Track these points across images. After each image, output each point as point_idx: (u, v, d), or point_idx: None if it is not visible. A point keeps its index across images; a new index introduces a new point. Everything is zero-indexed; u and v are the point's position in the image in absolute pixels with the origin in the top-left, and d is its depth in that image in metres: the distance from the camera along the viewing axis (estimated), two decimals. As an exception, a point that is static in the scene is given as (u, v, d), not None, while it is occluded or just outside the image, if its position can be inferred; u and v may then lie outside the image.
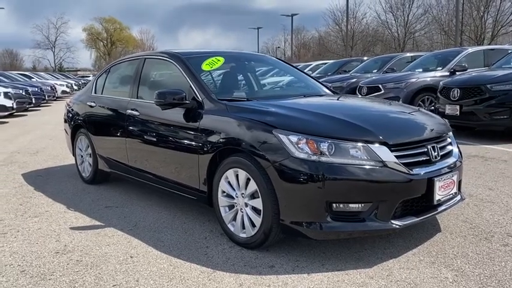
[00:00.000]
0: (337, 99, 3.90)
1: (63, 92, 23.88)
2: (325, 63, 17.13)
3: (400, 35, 43.19)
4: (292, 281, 2.64)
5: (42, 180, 5.47)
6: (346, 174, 2.71)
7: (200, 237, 3.38)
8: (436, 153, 3.02)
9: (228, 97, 3.61)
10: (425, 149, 2.97)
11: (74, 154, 5.46)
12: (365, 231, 2.80)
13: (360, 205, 2.75)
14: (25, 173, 5.90)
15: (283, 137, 2.82)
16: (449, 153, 3.20)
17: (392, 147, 2.82)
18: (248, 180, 3.02)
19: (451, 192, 3.05)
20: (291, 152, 2.77)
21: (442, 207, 3.05)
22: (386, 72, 11.69)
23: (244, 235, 3.11)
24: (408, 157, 2.88)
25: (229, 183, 3.19)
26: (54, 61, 71.25)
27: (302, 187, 2.74)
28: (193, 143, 3.45)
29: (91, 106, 4.94)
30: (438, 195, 2.93)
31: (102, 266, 2.92)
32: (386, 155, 2.78)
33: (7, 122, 12.71)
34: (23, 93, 14.94)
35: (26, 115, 14.98)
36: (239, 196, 3.12)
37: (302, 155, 2.74)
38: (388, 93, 9.92)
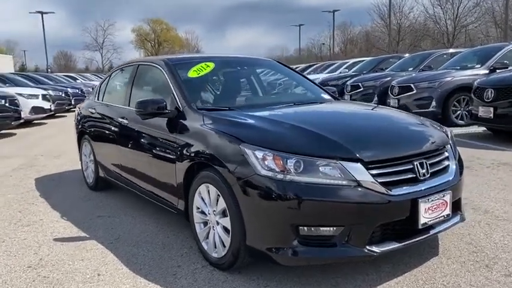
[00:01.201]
0: (327, 108, 3.62)
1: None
2: (362, 61, 16.52)
3: (449, 29, 41.23)
4: (252, 311, 2.43)
5: (52, 185, 5.53)
6: (315, 194, 2.45)
7: (177, 254, 3.23)
8: (424, 171, 2.68)
9: (211, 106, 3.43)
10: (411, 166, 2.65)
11: (80, 160, 5.48)
12: (336, 257, 2.53)
13: (330, 229, 2.49)
14: (39, 177, 5.99)
15: (249, 152, 2.60)
16: (443, 170, 2.85)
17: (369, 165, 2.53)
18: (218, 196, 2.83)
19: (441, 215, 2.70)
20: (256, 169, 2.55)
21: (432, 232, 2.72)
22: (423, 71, 11.06)
23: (216, 255, 2.92)
24: (389, 175, 2.57)
25: (202, 198, 3.01)
26: (102, 62, 73.94)
27: (266, 208, 2.52)
28: (170, 155, 3.30)
29: (92, 112, 4.91)
30: (424, 218, 2.60)
31: (65, 284, 2.83)
32: (361, 173, 2.49)
33: (45, 123, 13.18)
34: (63, 95, 15.49)
35: (66, 116, 15.49)
36: (211, 213, 2.94)
37: (267, 173, 2.51)
38: (420, 93, 9.38)
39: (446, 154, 2.94)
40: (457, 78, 9.06)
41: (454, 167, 2.92)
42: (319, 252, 2.50)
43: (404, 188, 2.57)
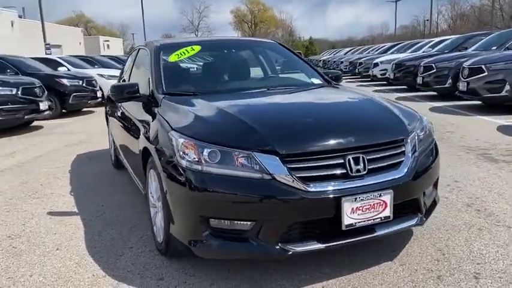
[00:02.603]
0: (288, 96, 3.42)
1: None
2: (448, 39, 15.08)
3: None
4: (160, 299, 2.42)
5: (86, 162, 5.96)
6: (226, 186, 2.34)
7: (137, 236, 3.31)
8: (359, 167, 2.41)
9: (179, 91, 3.41)
10: (342, 161, 2.40)
11: (108, 139, 5.82)
12: (247, 253, 2.40)
13: (241, 223, 2.36)
14: (82, 153, 6.50)
15: (174, 140, 2.56)
16: (391, 166, 2.52)
17: (286, 158, 2.34)
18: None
19: (377, 217, 2.42)
20: (176, 157, 2.50)
21: (367, 235, 2.45)
22: (508, 49, 9.83)
23: (158, 239, 2.94)
24: (311, 170, 2.36)
25: (152, 183, 3.04)
26: None
27: (182, 198, 2.46)
28: (137, 139, 3.36)
29: (109, 95, 5.17)
30: (350, 219, 2.35)
31: (23, 255, 3.06)
32: (276, 166, 2.32)
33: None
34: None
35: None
36: (155, 198, 2.96)
37: (184, 162, 2.45)
38: (494, 75, 8.35)
39: (402, 149, 2.60)
40: (538, 58, 7.91)
41: (409, 163, 2.57)
42: (230, 246, 2.40)
43: (326, 184, 2.34)
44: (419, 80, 11.45)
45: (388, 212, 2.44)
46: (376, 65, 16.98)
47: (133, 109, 3.67)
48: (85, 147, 6.93)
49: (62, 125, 9.83)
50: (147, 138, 2.98)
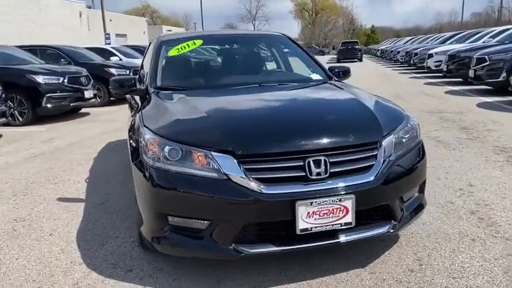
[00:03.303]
0: (269, 94, 3.36)
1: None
2: (510, 29, 13.96)
3: None
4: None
5: (114, 149, 6.22)
6: (183, 185, 2.35)
7: (127, 226, 3.40)
8: (320, 170, 2.32)
9: (171, 85, 3.45)
10: (302, 163, 2.32)
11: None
12: (202, 252, 2.41)
13: (198, 222, 2.37)
14: (112, 141, 6.78)
15: (142, 135, 2.60)
16: (358, 170, 2.41)
17: (241, 158, 2.30)
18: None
19: (336, 222, 2.32)
20: (142, 153, 2.55)
21: (327, 241, 2.37)
22: None
23: (141, 229, 3.01)
24: (267, 171, 2.31)
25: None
26: None
27: (144, 194, 2.51)
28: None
29: None
30: (306, 223, 2.28)
31: (19, 238, 3.26)
32: (232, 166, 2.29)
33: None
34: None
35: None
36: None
37: (146, 158, 2.49)
38: None
39: (373, 153, 2.47)
40: None
41: (381, 168, 2.44)
42: (188, 244, 2.41)
43: (282, 187, 2.28)
44: (471, 73, 10.76)
45: (349, 218, 2.34)
46: (430, 56, 16.14)
47: (135, 103, 3.77)
48: (117, 135, 7.21)
49: (107, 112, 10.28)
50: (128, 132, 3.05)
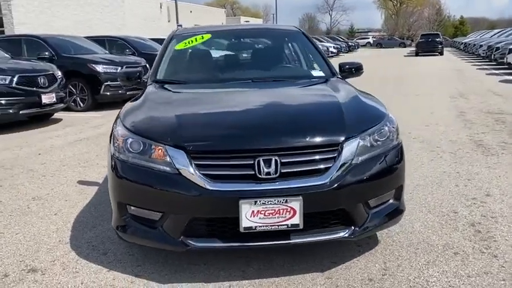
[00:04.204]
0: (258, 90, 3.38)
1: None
2: None
3: None
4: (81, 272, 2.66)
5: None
6: (139, 177, 2.46)
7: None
8: (271, 169, 2.29)
9: (169, 79, 3.56)
10: (251, 162, 2.31)
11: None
12: (154, 242, 2.49)
13: (153, 213, 2.46)
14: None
15: (115, 127, 2.74)
16: (314, 172, 2.35)
17: (192, 154, 2.35)
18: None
19: (283, 223, 2.28)
20: (111, 144, 2.68)
21: (274, 241, 2.36)
22: None
23: None
24: (218, 168, 2.34)
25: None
26: (330, 24, 76.06)
27: (109, 183, 2.65)
28: None
29: None
30: (250, 222, 2.27)
31: (27, 216, 3.57)
32: (183, 161, 2.35)
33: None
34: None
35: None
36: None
37: (113, 149, 2.62)
38: None
39: (331, 155, 2.38)
40: None
41: (337, 171, 2.35)
42: (143, 234, 2.50)
43: (228, 184, 2.30)
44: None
45: (297, 220, 2.29)
46: (511, 51, 14.84)
47: None
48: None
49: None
50: None
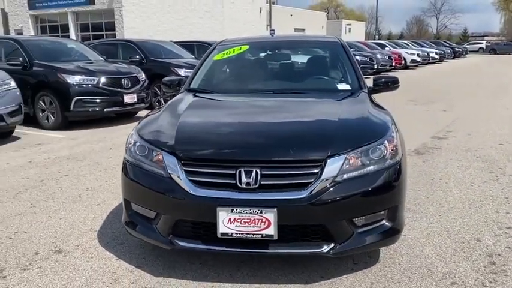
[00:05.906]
0: (270, 103, 3.43)
1: (413, 61, 24.08)
2: None
3: None
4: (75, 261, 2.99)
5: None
6: (139, 177, 2.72)
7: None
8: (250, 180, 2.41)
9: (201, 88, 3.80)
10: (233, 171, 2.44)
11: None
12: (150, 239, 2.72)
13: (150, 211, 2.70)
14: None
15: (132, 132, 3.05)
16: (295, 186, 2.41)
17: (183, 160, 2.55)
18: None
19: (257, 232, 2.37)
20: (126, 146, 2.99)
21: (251, 249, 2.49)
22: None
23: None
24: (203, 175, 2.51)
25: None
26: (437, 28, 71.23)
27: (121, 181, 2.95)
28: None
29: None
30: (227, 228, 2.40)
31: (76, 203, 4.05)
32: (174, 167, 2.56)
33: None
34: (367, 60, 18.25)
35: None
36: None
37: (125, 150, 2.93)
38: None
39: (313, 170, 2.42)
40: None
41: (316, 187, 2.38)
42: (142, 230, 2.75)
43: (210, 191, 2.46)
44: None
45: (271, 231, 2.38)
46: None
47: None
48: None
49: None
50: None
